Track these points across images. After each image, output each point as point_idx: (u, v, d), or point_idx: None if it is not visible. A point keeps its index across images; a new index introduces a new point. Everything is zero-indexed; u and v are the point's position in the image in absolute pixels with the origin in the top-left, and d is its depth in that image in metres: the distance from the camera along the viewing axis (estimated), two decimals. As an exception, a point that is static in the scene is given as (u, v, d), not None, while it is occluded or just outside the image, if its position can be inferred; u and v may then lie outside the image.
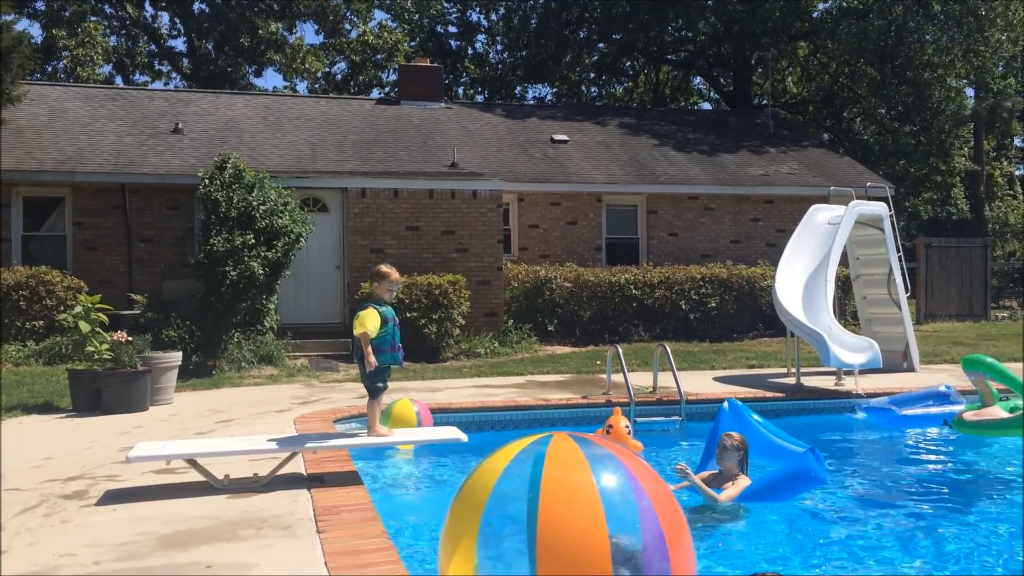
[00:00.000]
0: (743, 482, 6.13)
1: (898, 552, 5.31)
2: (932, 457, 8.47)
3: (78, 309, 9.42)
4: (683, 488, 6.02)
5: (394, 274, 6.27)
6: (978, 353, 9.30)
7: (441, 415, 8.82)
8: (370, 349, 6.01)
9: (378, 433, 6.21)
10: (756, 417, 6.98)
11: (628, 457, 3.45)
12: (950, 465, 8.04)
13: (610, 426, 7.22)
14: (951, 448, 8.54)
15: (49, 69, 32.10)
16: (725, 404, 7.08)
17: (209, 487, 5.70)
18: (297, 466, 6.22)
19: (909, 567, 5.08)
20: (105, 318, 9.54)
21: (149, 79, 36.22)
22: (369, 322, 5.98)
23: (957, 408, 8.89)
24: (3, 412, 8.85)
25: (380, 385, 6.22)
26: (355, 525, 4.80)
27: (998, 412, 8.21)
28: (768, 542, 5.52)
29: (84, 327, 9.27)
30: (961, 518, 6.02)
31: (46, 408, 9.34)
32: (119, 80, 35.05)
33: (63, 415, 9.00)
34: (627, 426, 7.33)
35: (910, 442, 8.84)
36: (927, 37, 25.64)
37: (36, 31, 37.77)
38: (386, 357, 6.14)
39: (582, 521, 3.13)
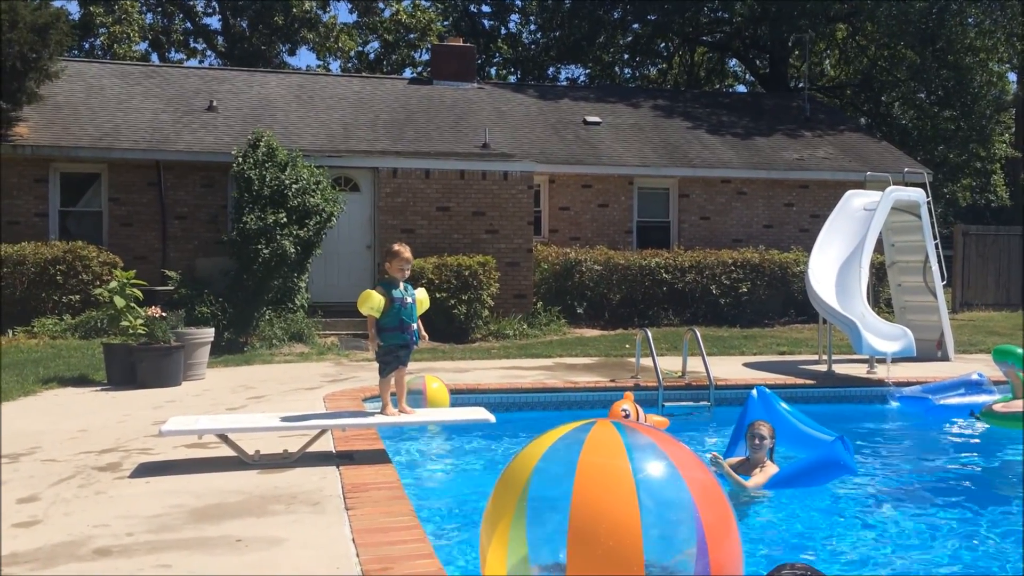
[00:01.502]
0: (771, 469, 6.11)
1: (924, 545, 5.24)
2: (963, 447, 8.33)
3: (113, 284, 9.54)
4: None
5: (405, 252, 6.14)
6: (1012, 344, 9.15)
7: (469, 396, 8.86)
8: (374, 330, 6.03)
9: (387, 412, 6.21)
10: (784, 405, 6.92)
11: (672, 446, 3.42)
12: (979, 458, 7.91)
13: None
14: (981, 440, 8.41)
15: (86, 46, 32.42)
16: (754, 392, 7.03)
17: (240, 462, 5.76)
18: (326, 443, 6.27)
19: (935, 560, 5.02)
20: (140, 293, 9.66)
21: (184, 57, 36.46)
22: (365, 304, 5.95)
23: (990, 398, 8.75)
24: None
25: (387, 364, 6.14)
26: (383, 503, 4.83)
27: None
28: (792, 530, 5.49)
29: (119, 302, 9.40)
30: (989, 513, 5.92)
31: (82, 381, 9.50)
32: (155, 58, 35.34)
33: (98, 388, 9.16)
34: (624, 410, 7.25)
35: (940, 433, 8.71)
36: (969, 20, 25.09)
37: (73, 8, 38.29)
38: (392, 337, 6.08)
39: (614, 507, 3.11)
